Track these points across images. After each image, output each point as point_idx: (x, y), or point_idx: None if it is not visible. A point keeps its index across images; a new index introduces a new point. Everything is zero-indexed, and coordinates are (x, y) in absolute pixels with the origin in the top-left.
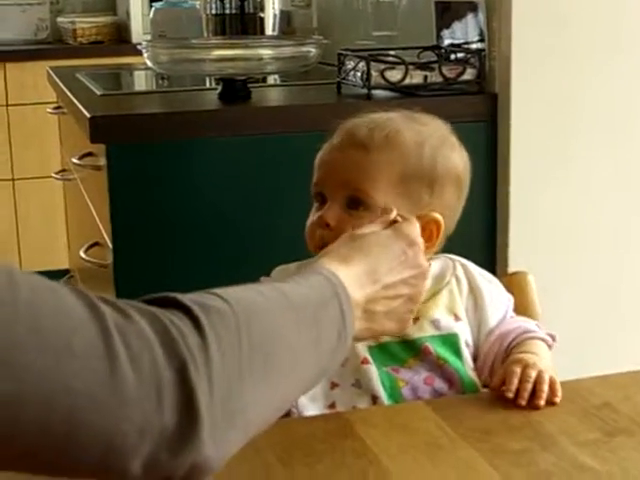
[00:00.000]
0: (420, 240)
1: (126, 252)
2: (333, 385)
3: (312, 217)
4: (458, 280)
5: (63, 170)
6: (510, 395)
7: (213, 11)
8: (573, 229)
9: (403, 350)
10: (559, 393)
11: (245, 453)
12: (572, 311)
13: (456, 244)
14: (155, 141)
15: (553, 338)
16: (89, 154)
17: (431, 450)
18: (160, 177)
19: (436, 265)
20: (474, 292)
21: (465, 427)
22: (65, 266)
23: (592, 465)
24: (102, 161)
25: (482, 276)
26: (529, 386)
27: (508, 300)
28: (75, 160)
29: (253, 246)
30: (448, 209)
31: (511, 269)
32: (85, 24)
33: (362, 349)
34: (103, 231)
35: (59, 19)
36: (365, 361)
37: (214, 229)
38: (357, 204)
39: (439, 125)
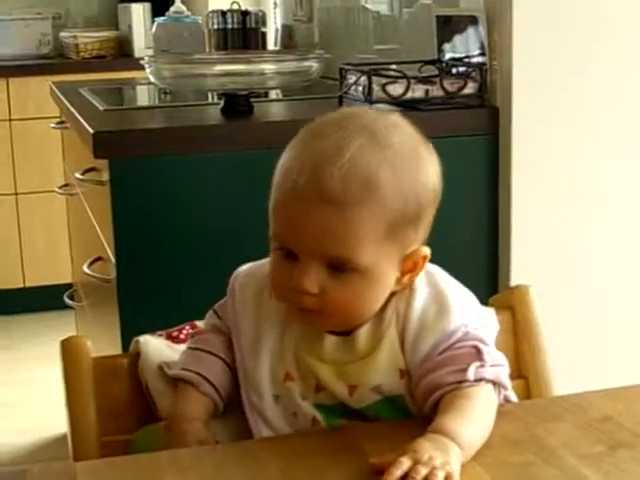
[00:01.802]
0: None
1: (129, 267)
2: None
3: (279, 272)
4: (398, 316)
5: (66, 185)
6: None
7: (215, 26)
8: (575, 242)
9: (348, 412)
10: None
11: (248, 467)
12: (575, 324)
13: (458, 258)
14: (158, 156)
15: (480, 380)
16: (92, 169)
17: None
18: (163, 192)
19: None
20: (405, 330)
21: None
22: (68, 280)
23: (595, 478)
24: (105, 176)
25: (426, 299)
26: None
27: (456, 327)
28: (78, 175)
29: (255, 261)
30: (428, 227)
31: (513, 282)
32: (87, 39)
33: (309, 408)
34: (106, 246)
35: (62, 34)
36: (314, 420)
37: (217, 244)
38: (341, 267)
39: (403, 136)
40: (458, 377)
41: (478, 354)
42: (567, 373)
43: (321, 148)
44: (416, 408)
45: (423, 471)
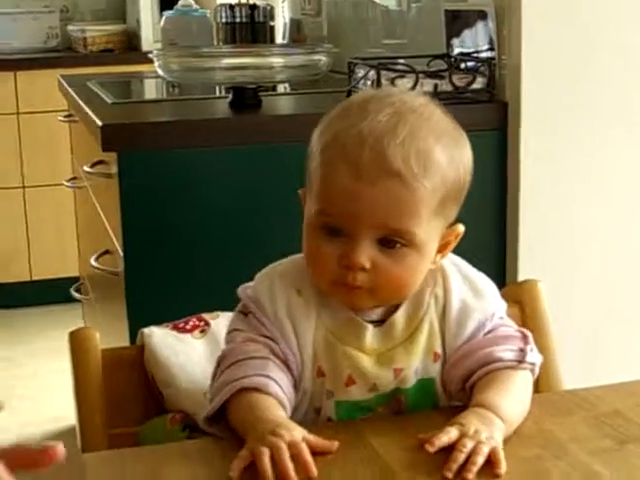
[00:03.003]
0: None
1: (137, 260)
2: None
3: (324, 250)
4: (436, 299)
5: (74, 178)
6: (430, 449)
7: (224, 19)
8: (584, 237)
9: (375, 401)
10: (502, 465)
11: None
12: (583, 319)
13: (466, 252)
14: (166, 149)
15: (523, 357)
16: (100, 162)
17: (442, 458)
18: (171, 185)
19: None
20: (446, 311)
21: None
22: (75, 274)
23: (604, 473)
24: (113, 169)
25: (462, 282)
26: (461, 457)
27: (494, 310)
28: (86, 168)
29: (263, 254)
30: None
31: (521, 277)
32: (95, 32)
33: (329, 407)
34: (114, 239)
35: (69, 27)
36: (329, 420)
37: (224, 237)
38: (393, 242)
39: (441, 115)
40: (518, 356)
41: (525, 339)
42: (576, 368)
43: (375, 124)
44: (447, 391)
45: (469, 444)
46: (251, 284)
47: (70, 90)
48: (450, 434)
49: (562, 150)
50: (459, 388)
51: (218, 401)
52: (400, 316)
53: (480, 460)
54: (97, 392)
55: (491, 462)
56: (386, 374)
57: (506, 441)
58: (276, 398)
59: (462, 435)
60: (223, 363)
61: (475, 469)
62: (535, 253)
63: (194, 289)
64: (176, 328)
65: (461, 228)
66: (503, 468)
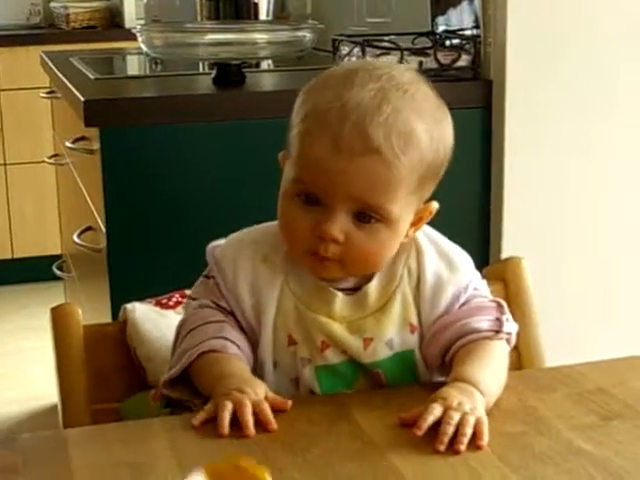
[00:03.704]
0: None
1: (119, 236)
2: None
3: (299, 219)
4: (409, 271)
5: (56, 155)
6: (419, 433)
7: None
8: (567, 215)
9: (352, 370)
10: (485, 437)
11: (241, 433)
12: (566, 296)
13: (450, 230)
14: (149, 125)
15: (500, 327)
16: (82, 138)
17: (427, 433)
18: (153, 161)
19: (388, 259)
20: (420, 284)
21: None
22: (58, 252)
23: (587, 449)
24: (96, 145)
25: (436, 255)
26: (450, 429)
27: (468, 281)
28: (69, 144)
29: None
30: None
31: (505, 255)
32: (78, 9)
33: (309, 375)
34: (96, 215)
35: (52, 4)
36: (312, 392)
37: (207, 212)
38: (368, 217)
39: (427, 91)
40: (494, 326)
41: (500, 308)
42: (559, 345)
43: (359, 100)
44: (426, 363)
45: (456, 416)
46: (220, 243)
47: (53, 66)
48: (435, 411)
49: (546, 128)
50: (439, 363)
51: (179, 368)
52: (373, 286)
53: (469, 431)
54: (79, 368)
55: (474, 434)
56: (356, 343)
57: (490, 417)
58: (235, 356)
59: (446, 408)
60: (182, 331)
61: (465, 440)
62: (519, 231)
63: (177, 265)
64: (159, 304)
65: (435, 205)
66: (485, 440)
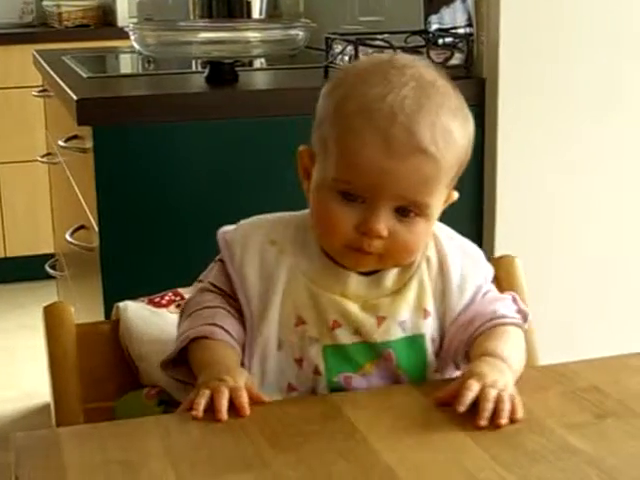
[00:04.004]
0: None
1: (112, 235)
2: (291, 388)
3: (340, 214)
4: (428, 262)
5: (48, 154)
6: (462, 409)
7: None
8: (560, 213)
9: (361, 353)
10: (520, 411)
11: (234, 433)
12: (559, 294)
13: None
14: (142, 124)
15: (525, 317)
16: (75, 137)
17: (419, 432)
18: (146, 160)
19: None
20: (442, 275)
21: (453, 409)
22: (50, 250)
23: (581, 447)
24: (88, 144)
25: (457, 248)
26: (490, 405)
27: (485, 274)
28: (61, 143)
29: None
30: None
31: (498, 252)
32: (71, 7)
33: (315, 354)
34: (89, 214)
35: (45, 2)
36: (316, 371)
37: (200, 212)
38: (408, 212)
39: (453, 90)
40: (519, 315)
41: (516, 300)
42: (552, 343)
43: (402, 99)
44: (447, 354)
45: (493, 392)
46: (231, 228)
47: (45, 65)
48: (473, 388)
49: (539, 126)
50: (463, 353)
51: (173, 352)
52: (390, 272)
53: (507, 407)
54: (72, 366)
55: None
56: (370, 320)
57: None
58: (223, 342)
59: (483, 386)
60: (184, 313)
61: (506, 415)
62: (512, 229)
63: (170, 264)
64: (152, 302)
65: (456, 194)
66: (521, 414)
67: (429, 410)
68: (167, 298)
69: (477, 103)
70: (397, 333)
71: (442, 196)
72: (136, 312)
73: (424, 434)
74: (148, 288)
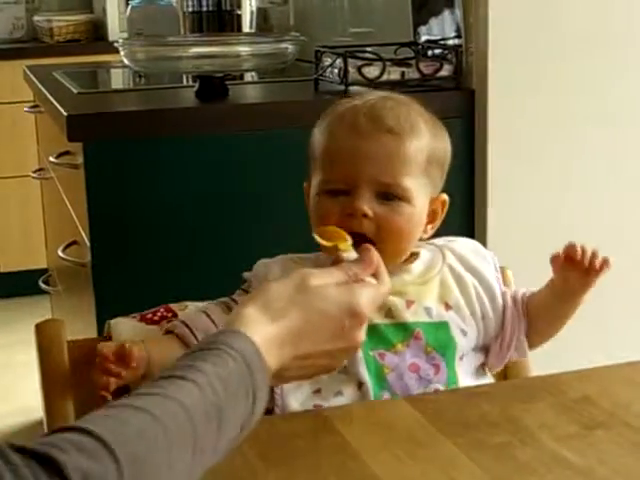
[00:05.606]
0: (368, 310)
1: (104, 250)
2: None
3: (330, 208)
4: (452, 269)
5: (40, 169)
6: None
7: (190, 9)
8: (551, 224)
9: (393, 333)
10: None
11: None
12: None
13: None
14: (133, 139)
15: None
16: (66, 153)
17: (411, 446)
18: (138, 175)
19: (426, 254)
20: (477, 288)
21: (444, 422)
22: (43, 266)
23: (571, 459)
24: (79, 159)
25: (474, 253)
26: (590, 251)
27: (495, 264)
28: (52, 159)
29: (232, 244)
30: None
31: None
32: (61, 22)
33: None
34: (81, 230)
35: (35, 18)
36: None
37: (192, 227)
38: (389, 195)
39: (430, 114)
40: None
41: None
42: (544, 354)
43: (367, 101)
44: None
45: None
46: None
47: (36, 80)
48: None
49: (528, 137)
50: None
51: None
52: (413, 267)
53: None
54: (64, 383)
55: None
56: (399, 301)
57: (473, 427)
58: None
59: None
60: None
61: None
62: (503, 240)
63: (162, 280)
64: (144, 319)
65: (445, 196)
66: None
67: (420, 424)
68: (159, 314)
69: (466, 114)
70: (424, 317)
71: (422, 185)
72: (127, 327)
73: (416, 448)
74: (140, 304)
